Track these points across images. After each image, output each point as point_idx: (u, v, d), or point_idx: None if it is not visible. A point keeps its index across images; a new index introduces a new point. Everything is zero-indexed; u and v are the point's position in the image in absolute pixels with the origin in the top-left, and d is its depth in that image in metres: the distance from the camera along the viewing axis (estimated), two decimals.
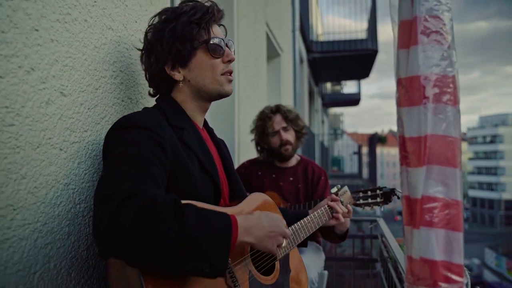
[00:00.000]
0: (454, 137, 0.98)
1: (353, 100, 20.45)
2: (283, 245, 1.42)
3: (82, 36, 1.40)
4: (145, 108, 1.50)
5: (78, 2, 1.38)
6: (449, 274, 0.96)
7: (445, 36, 1.00)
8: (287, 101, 7.08)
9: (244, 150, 3.71)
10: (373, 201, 2.26)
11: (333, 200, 1.90)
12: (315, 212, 1.81)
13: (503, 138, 68.12)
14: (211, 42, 1.46)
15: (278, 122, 2.73)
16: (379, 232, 3.67)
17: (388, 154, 79.80)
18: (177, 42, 1.43)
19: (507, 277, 39.60)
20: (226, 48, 1.50)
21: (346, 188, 2.07)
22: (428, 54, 0.98)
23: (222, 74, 1.49)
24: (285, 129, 2.72)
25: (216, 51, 1.47)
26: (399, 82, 1.03)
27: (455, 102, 0.99)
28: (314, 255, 2.57)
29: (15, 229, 1.12)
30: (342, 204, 1.94)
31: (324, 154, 15.97)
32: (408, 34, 1.01)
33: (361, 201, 2.29)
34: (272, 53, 6.10)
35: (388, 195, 2.23)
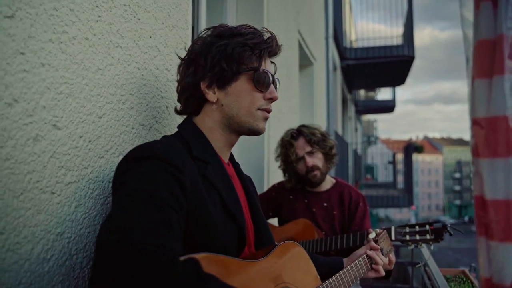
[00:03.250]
0: None
1: (387, 107, 19.89)
2: None
3: (81, 58, 1.20)
4: (165, 137, 1.30)
5: (77, 18, 1.18)
6: None
7: None
8: (320, 111, 6.80)
9: (274, 169, 3.46)
10: (422, 238, 1.98)
11: (372, 248, 1.63)
12: (352, 264, 1.54)
13: None
14: (260, 71, 1.28)
15: (301, 147, 2.45)
16: (422, 260, 3.34)
17: (423, 161, 77.93)
18: (223, 60, 1.26)
19: None
20: (272, 85, 1.32)
21: (386, 232, 1.77)
22: None
23: (259, 109, 1.30)
24: (310, 153, 2.45)
25: (261, 83, 1.30)
26: (476, 123, 0.77)
27: None
28: None
29: None
30: (382, 253, 1.66)
31: (357, 162, 15.53)
32: (490, 59, 0.74)
33: (408, 237, 2.01)
34: (305, 62, 5.84)
35: (440, 232, 1.94)
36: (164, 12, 1.68)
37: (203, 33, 1.36)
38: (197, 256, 0.97)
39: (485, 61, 0.79)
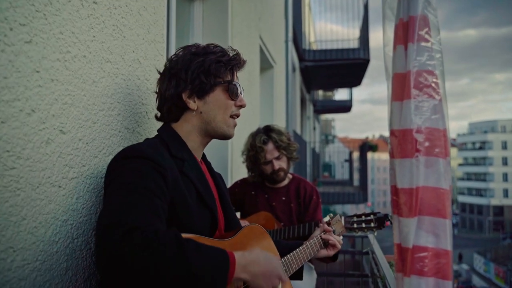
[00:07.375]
0: (445, 188, 1.01)
1: (344, 106, 20.56)
2: None
3: (81, 73, 1.42)
4: (147, 139, 1.53)
5: (77, 39, 1.41)
6: None
7: (437, 90, 1.03)
8: (280, 111, 7.12)
9: (236, 167, 3.73)
10: (367, 225, 2.30)
11: (325, 230, 1.93)
12: (307, 243, 1.84)
13: (492, 144, 68.78)
14: (233, 84, 1.55)
15: (270, 151, 2.73)
16: (370, 249, 3.71)
17: (379, 159, 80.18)
18: (202, 74, 1.50)
19: (496, 283, 39.91)
20: (240, 94, 1.59)
21: (338, 217, 2.10)
22: (420, 108, 1.02)
23: (231, 116, 1.57)
24: (277, 158, 2.75)
25: (233, 94, 1.56)
26: (392, 133, 1.06)
27: (446, 154, 1.02)
28: (306, 276, 2.60)
29: (15, 270, 1.13)
30: (335, 233, 1.96)
31: (315, 160, 16.03)
32: (401, 87, 1.04)
33: (355, 226, 2.33)
34: (265, 65, 6.14)
35: (382, 220, 2.27)
36: (144, 28, 1.91)
37: (178, 51, 1.59)
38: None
39: (398, 88, 1.09)
